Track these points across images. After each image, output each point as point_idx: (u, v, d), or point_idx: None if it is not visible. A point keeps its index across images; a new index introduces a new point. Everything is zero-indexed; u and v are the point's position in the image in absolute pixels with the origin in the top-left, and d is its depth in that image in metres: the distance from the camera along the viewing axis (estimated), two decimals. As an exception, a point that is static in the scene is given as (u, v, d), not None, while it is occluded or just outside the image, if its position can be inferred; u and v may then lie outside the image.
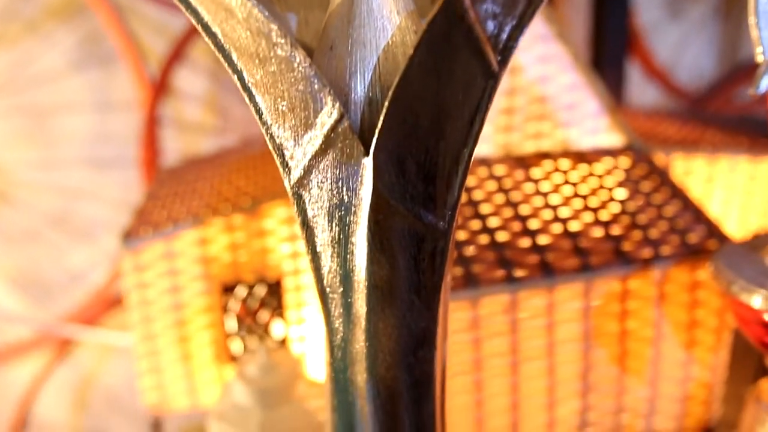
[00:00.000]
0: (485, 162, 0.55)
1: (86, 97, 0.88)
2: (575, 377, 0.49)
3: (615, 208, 0.52)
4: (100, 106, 0.88)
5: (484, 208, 0.51)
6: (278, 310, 0.57)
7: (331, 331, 0.29)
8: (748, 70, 1.05)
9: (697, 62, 1.06)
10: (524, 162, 0.56)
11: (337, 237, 0.26)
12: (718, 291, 0.49)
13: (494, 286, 0.45)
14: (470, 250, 0.47)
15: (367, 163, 0.24)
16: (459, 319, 0.44)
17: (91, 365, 0.97)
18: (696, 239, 0.50)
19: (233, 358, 0.57)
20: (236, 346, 0.57)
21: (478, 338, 0.45)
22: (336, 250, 0.27)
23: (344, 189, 0.25)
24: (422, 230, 0.26)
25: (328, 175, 0.25)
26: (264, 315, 0.57)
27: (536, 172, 0.55)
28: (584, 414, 0.50)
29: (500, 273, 0.46)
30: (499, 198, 0.52)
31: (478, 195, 0.52)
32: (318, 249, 0.27)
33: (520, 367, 0.47)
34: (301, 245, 0.57)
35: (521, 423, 0.49)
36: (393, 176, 0.25)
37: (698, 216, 0.52)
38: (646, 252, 0.48)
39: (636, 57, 1.02)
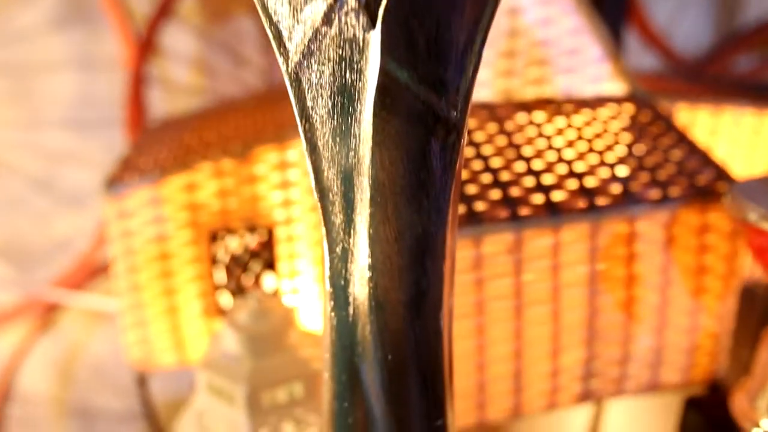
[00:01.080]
0: (486, 106, 0.53)
1: (69, 56, 0.85)
2: (580, 324, 0.47)
3: (621, 150, 0.50)
4: (83, 65, 0.85)
5: (486, 150, 0.49)
6: (269, 261, 0.55)
7: (330, 241, 0.27)
8: (745, 37, 1.03)
9: (694, 29, 1.05)
10: (526, 106, 0.54)
11: (338, 128, 0.24)
12: (731, 230, 0.47)
13: (498, 224, 0.43)
14: (473, 189, 0.45)
15: (374, 37, 0.22)
16: (461, 258, 0.42)
17: (76, 336, 0.95)
18: (705, 181, 0.48)
19: (222, 312, 0.55)
20: (225, 299, 0.55)
21: (481, 279, 0.43)
22: (337, 143, 0.24)
23: (348, 71, 0.23)
24: (432, 119, 0.23)
25: (331, 54, 0.23)
26: (255, 267, 0.55)
27: (539, 116, 0.53)
28: (589, 364, 0.48)
29: (504, 211, 0.43)
30: (501, 140, 0.50)
31: (479, 137, 0.50)
32: (317, 144, 0.25)
33: (523, 312, 0.45)
34: (295, 193, 0.55)
35: (524, 371, 0.47)
36: (402, 53, 0.22)
37: (706, 160, 0.51)
38: (654, 193, 0.46)
39: (634, 23, 1.00)
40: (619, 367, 0.49)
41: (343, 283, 0.27)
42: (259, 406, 0.45)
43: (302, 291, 0.56)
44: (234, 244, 0.54)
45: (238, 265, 0.54)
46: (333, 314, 0.28)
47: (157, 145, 0.59)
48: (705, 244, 0.48)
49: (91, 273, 0.86)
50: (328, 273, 0.27)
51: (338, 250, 0.27)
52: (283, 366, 0.46)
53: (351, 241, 0.26)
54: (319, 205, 0.26)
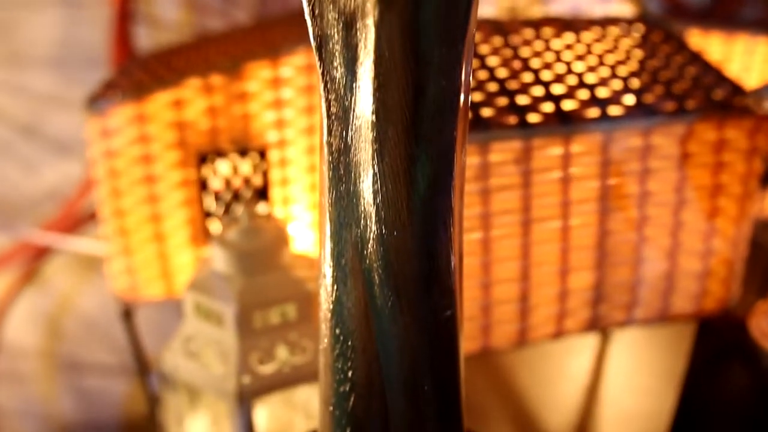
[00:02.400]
0: (490, 21, 0.50)
1: (51, -9, 0.81)
2: (590, 244, 0.44)
3: (633, 65, 0.48)
4: (66, 1, 0.81)
5: (492, 61, 0.46)
6: (261, 187, 0.52)
7: (329, 102, 0.24)
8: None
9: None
10: (532, 23, 0.51)
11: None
12: (748, 148, 0.45)
13: (506, 131, 0.40)
14: (478, 96, 0.42)
15: None
16: (467, 167, 0.40)
17: (65, 289, 0.92)
18: (722, 95, 0.45)
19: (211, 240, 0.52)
20: (215, 226, 0.52)
21: (488, 190, 0.41)
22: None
23: None
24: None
25: None
26: (246, 192, 0.52)
27: (546, 32, 0.50)
28: (598, 288, 0.46)
29: (512, 118, 0.41)
30: (507, 52, 0.47)
31: (483, 49, 0.47)
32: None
33: (532, 228, 0.43)
34: (288, 113, 0.52)
35: (531, 294, 0.44)
36: None
37: (721, 77, 0.48)
38: (670, 105, 0.44)
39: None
40: (629, 293, 0.47)
41: (342, 146, 0.24)
42: (250, 327, 0.43)
43: (296, 219, 0.53)
44: (224, 167, 0.51)
45: (228, 190, 0.52)
46: (330, 191, 0.25)
47: (142, 69, 0.56)
48: (721, 162, 0.46)
49: (79, 220, 0.83)
50: (326, 138, 0.25)
51: (338, 111, 0.24)
52: (275, 286, 0.43)
53: (352, 99, 0.24)
54: (317, 57, 0.23)
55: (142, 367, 0.56)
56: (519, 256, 0.43)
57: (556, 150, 0.41)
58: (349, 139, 0.24)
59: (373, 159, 0.23)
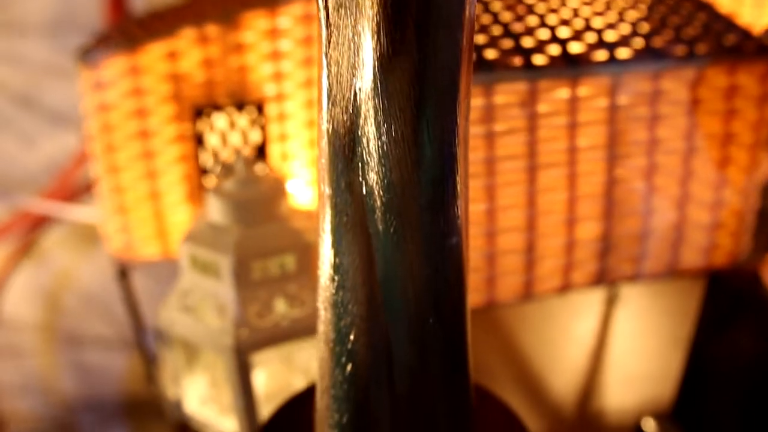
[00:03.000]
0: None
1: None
2: (598, 193, 0.43)
3: (642, 10, 0.46)
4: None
5: (494, 6, 0.44)
6: (259, 143, 0.51)
7: (329, 36, 0.23)
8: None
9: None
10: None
11: None
12: (760, 94, 0.43)
13: (511, 72, 0.39)
14: (482, 39, 0.41)
15: None
16: (471, 108, 0.38)
17: (64, 263, 0.91)
18: (732, 41, 0.44)
19: (209, 198, 0.51)
20: (211, 183, 0.51)
21: (492, 133, 0.39)
22: None
23: None
24: None
25: None
26: (243, 148, 0.51)
27: (551, -21, 0.48)
28: (606, 239, 0.45)
29: (517, 60, 0.39)
30: (511, -2, 0.45)
31: (487, -5, 0.45)
32: None
33: (537, 175, 0.41)
34: (286, 66, 0.50)
35: (537, 244, 0.43)
36: None
37: (731, 24, 0.47)
38: (680, 49, 0.42)
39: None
40: (637, 245, 0.45)
41: (342, 62, 0.23)
42: (248, 279, 0.41)
43: (295, 176, 0.52)
44: (221, 122, 0.50)
45: (225, 145, 0.50)
46: (331, 104, 0.24)
47: (136, 25, 0.54)
48: (732, 109, 0.44)
49: (75, 191, 0.82)
50: (325, 49, 0.23)
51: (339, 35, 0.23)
52: (273, 236, 0.42)
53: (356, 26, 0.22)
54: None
55: (138, 326, 0.55)
56: (524, 204, 0.42)
57: (562, 93, 0.40)
58: (349, 60, 0.23)
59: (375, 83, 0.22)
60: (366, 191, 0.24)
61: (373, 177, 0.24)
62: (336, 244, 0.25)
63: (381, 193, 0.24)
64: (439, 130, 0.23)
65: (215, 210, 0.42)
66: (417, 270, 0.25)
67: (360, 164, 0.23)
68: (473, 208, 0.41)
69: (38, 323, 0.91)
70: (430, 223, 0.24)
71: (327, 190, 0.25)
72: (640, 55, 0.41)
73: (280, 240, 0.42)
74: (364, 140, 0.23)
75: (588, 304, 0.64)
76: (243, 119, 0.50)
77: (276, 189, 0.43)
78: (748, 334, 0.46)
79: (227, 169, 0.47)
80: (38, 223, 0.84)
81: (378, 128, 0.23)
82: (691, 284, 0.55)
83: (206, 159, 0.50)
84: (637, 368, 0.57)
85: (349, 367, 0.28)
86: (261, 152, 0.51)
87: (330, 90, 0.23)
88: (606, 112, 0.41)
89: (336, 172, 0.24)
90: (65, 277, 0.91)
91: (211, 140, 0.50)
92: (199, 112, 0.49)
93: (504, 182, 0.41)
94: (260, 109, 0.50)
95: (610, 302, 0.65)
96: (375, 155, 0.23)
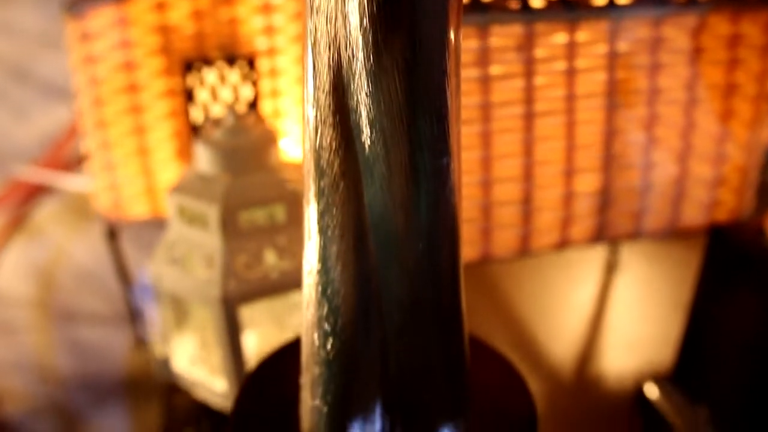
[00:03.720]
0: None
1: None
2: (596, 143, 0.42)
3: (642, -41, 0.45)
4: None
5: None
6: (250, 99, 0.50)
7: None
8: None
9: None
10: None
11: None
12: (764, 44, 0.42)
13: (507, 14, 0.38)
14: (477, -19, 0.39)
15: None
16: (465, 51, 0.37)
17: (58, 240, 0.90)
18: (737, -11, 0.43)
19: (199, 156, 0.50)
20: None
21: (487, 78, 0.38)
22: None
23: None
24: None
25: None
26: (235, 104, 0.49)
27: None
28: (605, 193, 0.44)
29: (514, 2, 0.38)
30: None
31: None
32: None
33: (534, 123, 0.40)
34: (278, 19, 0.49)
35: (534, 195, 0.42)
36: None
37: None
38: (682, -5, 0.41)
39: None
40: (637, 200, 0.44)
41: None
42: (236, 229, 0.40)
43: (287, 133, 0.51)
44: (211, 76, 0.49)
45: (215, 101, 0.49)
46: (312, 28, 0.22)
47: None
48: (735, 59, 0.43)
49: (67, 163, 0.81)
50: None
51: None
52: (262, 185, 0.41)
53: None
54: None
55: (127, 287, 0.54)
56: (521, 153, 0.40)
57: (560, 38, 0.39)
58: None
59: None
60: (354, 120, 0.23)
61: (362, 107, 0.23)
62: (318, 165, 0.24)
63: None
64: (429, 53, 0.22)
65: (203, 159, 0.41)
66: (404, 191, 0.24)
67: (349, 92, 0.22)
68: (468, 155, 0.39)
69: (32, 299, 0.90)
70: (416, 138, 0.23)
71: (310, 113, 0.24)
72: (640, 1, 0.40)
73: (270, 190, 0.41)
74: (354, 66, 0.22)
75: (587, 271, 0.63)
76: (234, 74, 0.49)
77: (266, 138, 0.42)
78: (750, 292, 0.45)
79: (217, 124, 0.46)
80: (31, 196, 0.83)
81: (367, 56, 0.22)
82: (690, 248, 0.53)
83: (196, 115, 0.49)
84: (637, 333, 0.56)
85: (335, 299, 0.27)
86: (252, 108, 0.50)
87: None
88: (605, 59, 0.40)
89: (324, 95, 0.23)
90: (59, 253, 0.90)
91: (201, 95, 0.49)
92: (189, 66, 0.48)
93: (500, 129, 0.39)
94: (251, 63, 0.49)
95: (609, 269, 0.64)
96: (364, 83, 0.22)
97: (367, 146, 0.23)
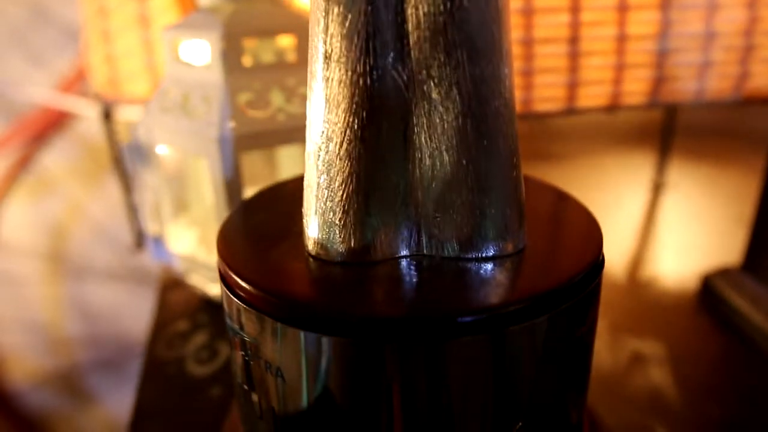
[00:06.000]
0: None
1: None
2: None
3: None
4: None
5: None
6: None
7: None
8: None
9: None
10: None
11: None
12: None
13: None
14: None
15: None
16: None
17: (71, 193, 0.86)
18: None
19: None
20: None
21: None
22: None
23: None
24: None
25: None
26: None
27: None
28: (663, 43, 0.38)
29: None
30: None
31: None
32: None
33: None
34: None
35: (582, 34, 0.36)
36: None
37: None
38: None
39: None
40: (699, 55, 0.38)
41: None
42: (239, 64, 0.35)
43: None
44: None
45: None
46: None
47: None
48: None
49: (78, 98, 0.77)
50: None
51: None
52: (268, 14, 0.36)
53: None
54: None
55: (120, 164, 0.49)
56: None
57: None
58: None
59: None
60: None
61: None
62: None
63: None
64: None
65: (203, -10, 0.36)
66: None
67: None
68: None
69: (40, 252, 0.86)
70: None
71: None
72: None
73: (277, 20, 0.36)
74: None
75: (633, 192, 0.57)
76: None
77: (274, -29, 0.37)
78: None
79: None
80: (40, 135, 0.79)
81: None
82: (748, 172, 0.47)
83: (202, -20, 0.45)
84: (694, 240, 0.49)
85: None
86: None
87: None
88: None
89: None
90: (71, 207, 0.86)
91: (208, -42, 0.44)
92: None
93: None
94: None
95: (657, 189, 0.57)
96: None
97: None
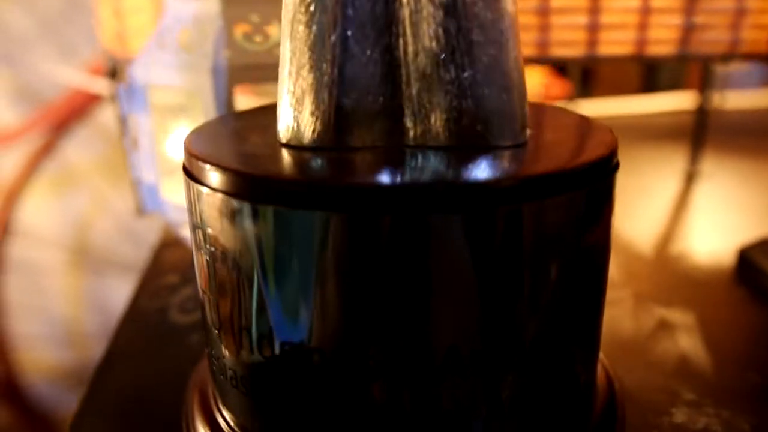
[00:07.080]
0: None
1: None
2: None
3: None
4: None
5: None
6: None
7: None
8: None
9: None
10: None
11: None
12: None
13: None
14: None
15: None
16: None
17: (97, 190, 0.85)
18: None
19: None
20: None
21: None
22: None
23: None
24: None
25: None
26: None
27: None
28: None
29: None
30: None
31: None
32: None
33: None
34: None
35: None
36: None
37: None
38: None
39: None
40: (730, 17, 0.35)
41: None
42: (238, -5, 0.33)
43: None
44: None
45: None
46: None
47: None
48: None
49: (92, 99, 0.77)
50: None
51: None
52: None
53: None
54: None
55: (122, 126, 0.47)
56: None
57: None
58: None
59: None
60: None
61: None
62: None
63: None
64: None
65: None
66: None
67: None
68: None
69: (61, 243, 0.85)
70: None
71: None
72: None
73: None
74: None
75: (664, 183, 0.54)
76: None
77: None
78: None
79: None
80: (63, 123, 0.79)
81: None
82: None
83: (214, -67, 0.43)
84: (728, 221, 0.46)
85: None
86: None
87: None
88: None
89: None
90: (94, 200, 0.85)
91: None
92: None
93: None
94: None
95: (689, 178, 0.54)
96: None
97: None
